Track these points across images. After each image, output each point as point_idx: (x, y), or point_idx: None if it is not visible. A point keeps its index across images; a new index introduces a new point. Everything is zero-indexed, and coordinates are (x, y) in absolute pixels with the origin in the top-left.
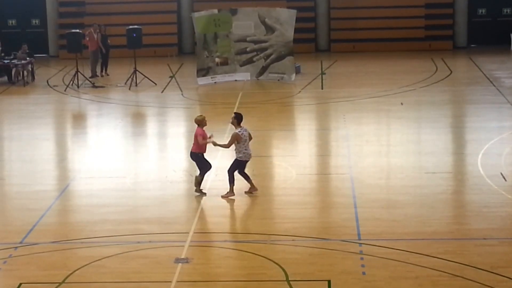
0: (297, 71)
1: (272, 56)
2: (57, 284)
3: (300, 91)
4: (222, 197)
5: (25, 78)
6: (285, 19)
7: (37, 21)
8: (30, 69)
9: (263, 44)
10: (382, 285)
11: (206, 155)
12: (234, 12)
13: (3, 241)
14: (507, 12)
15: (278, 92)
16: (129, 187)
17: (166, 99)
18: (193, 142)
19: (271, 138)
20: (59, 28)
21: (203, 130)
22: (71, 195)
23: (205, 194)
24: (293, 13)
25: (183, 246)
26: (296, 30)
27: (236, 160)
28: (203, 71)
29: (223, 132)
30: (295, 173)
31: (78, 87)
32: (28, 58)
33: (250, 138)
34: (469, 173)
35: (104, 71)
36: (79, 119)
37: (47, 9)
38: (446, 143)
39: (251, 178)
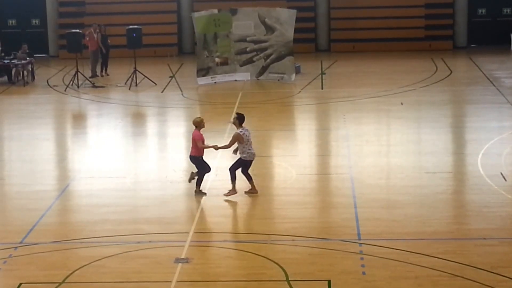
0: (297, 71)
1: (272, 56)
2: (57, 284)
3: (300, 91)
4: (225, 195)
5: (25, 78)
6: (285, 19)
7: (37, 21)
8: (30, 69)
9: (263, 44)
10: (382, 285)
11: (206, 155)
12: (234, 12)
13: (3, 241)
14: (507, 12)
15: (278, 92)
16: (129, 187)
17: (166, 99)
18: (191, 145)
19: (271, 138)
20: (59, 28)
21: (201, 134)
22: (71, 195)
23: (205, 194)
24: (293, 13)
25: (183, 246)
26: (296, 30)
27: (240, 159)
28: (203, 71)
29: (223, 132)
30: (295, 173)
31: (78, 87)
32: (28, 58)
33: None
34: (469, 173)
35: (104, 71)
36: (79, 119)
37: (47, 9)
38: (446, 143)
39: (253, 179)
